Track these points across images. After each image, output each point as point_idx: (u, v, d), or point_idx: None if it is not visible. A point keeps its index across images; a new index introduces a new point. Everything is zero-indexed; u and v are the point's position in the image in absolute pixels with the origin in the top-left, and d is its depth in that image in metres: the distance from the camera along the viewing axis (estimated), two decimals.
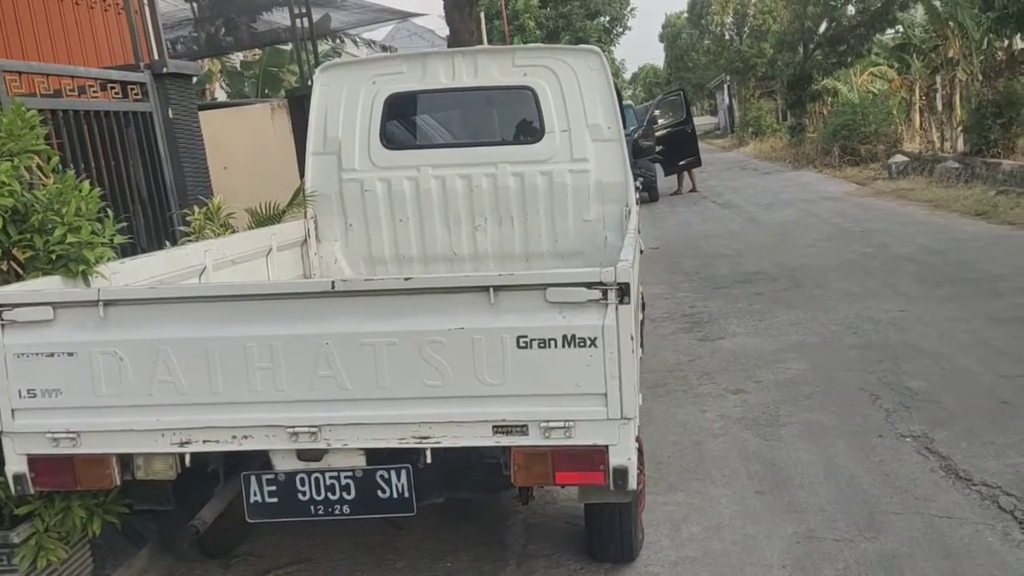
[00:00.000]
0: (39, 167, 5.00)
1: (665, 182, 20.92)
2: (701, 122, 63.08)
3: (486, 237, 5.98)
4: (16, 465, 3.23)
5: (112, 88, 5.97)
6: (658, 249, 13.31)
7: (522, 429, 3.00)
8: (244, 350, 3.05)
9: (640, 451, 4.10)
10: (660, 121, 21.06)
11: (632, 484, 3.03)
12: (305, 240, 6.03)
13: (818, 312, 8.46)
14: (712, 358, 7.31)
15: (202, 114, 10.35)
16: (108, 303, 3.10)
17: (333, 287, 2.99)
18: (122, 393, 3.12)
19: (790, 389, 6.30)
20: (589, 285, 2.90)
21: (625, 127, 6.93)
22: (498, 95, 5.98)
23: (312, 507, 3.24)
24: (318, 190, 6.02)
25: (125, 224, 4.25)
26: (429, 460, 3.13)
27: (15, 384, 3.14)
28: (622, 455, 3.00)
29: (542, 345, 2.93)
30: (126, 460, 3.25)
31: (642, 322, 6.84)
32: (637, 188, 13.39)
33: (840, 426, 5.54)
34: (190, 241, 5.33)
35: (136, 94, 6.21)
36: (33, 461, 3.22)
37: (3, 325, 3.13)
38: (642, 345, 7.02)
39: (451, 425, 3.03)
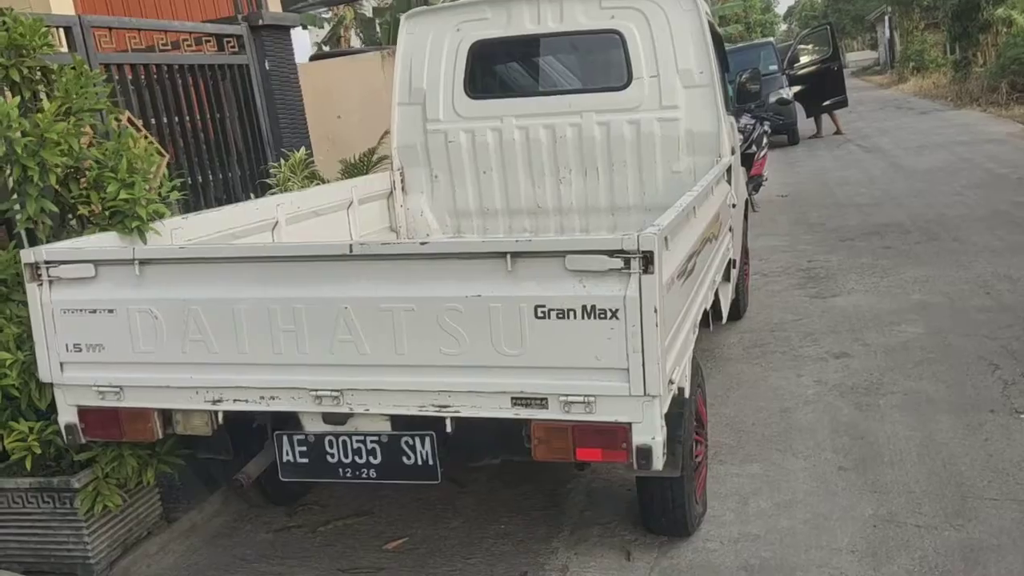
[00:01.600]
0: (130, 121, 5.19)
1: (806, 125, 19.80)
2: (858, 57, 59.41)
3: (570, 190, 5.77)
4: (68, 416, 3.38)
5: (207, 41, 6.09)
6: (786, 197, 12.65)
7: (541, 402, 2.86)
8: (268, 312, 3.04)
9: (702, 422, 3.91)
10: (803, 59, 19.89)
11: (657, 465, 2.84)
12: (391, 192, 6.02)
13: (949, 269, 7.79)
14: (821, 318, 6.86)
15: (316, 64, 10.57)
16: (143, 262, 3.15)
17: (351, 251, 2.92)
18: (158, 350, 3.18)
19: (899, 355, 5.83)
20: (610, 253, 2.70)
21: (728, 72, 6.50)
22: (584, 40, 5.70)
23: (340, 469, 3.23)
24: (404, 141, 5.98)
25: (180, 181, 4.32)
26: (450, 429, 3.05)
27: (62, 338, 3.26)
28: (646, 434, 2.82)
29: (561, 315, 2.76)
30: (167, 415, 3.33)
31: (740, 277, 6.50)
32: (765, 132, 12.78)
33: (948, 398, 5.08)
34: (274, 194, 5.42)
35: (232, 47, 6.32)
36: (82, 412, 3.35)
37: (51, 282, 3.24)
38: (741, 300, 6.70)
39: (470, 395, 2.93)
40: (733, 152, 5.75)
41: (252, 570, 3.95)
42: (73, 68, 3.66)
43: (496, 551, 3.94)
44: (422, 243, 2.86)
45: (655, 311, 2.69)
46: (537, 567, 3.78)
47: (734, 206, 5.53)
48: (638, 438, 2.82)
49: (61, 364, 3.30)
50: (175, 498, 4.51)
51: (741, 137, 11.40)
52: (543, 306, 2.78)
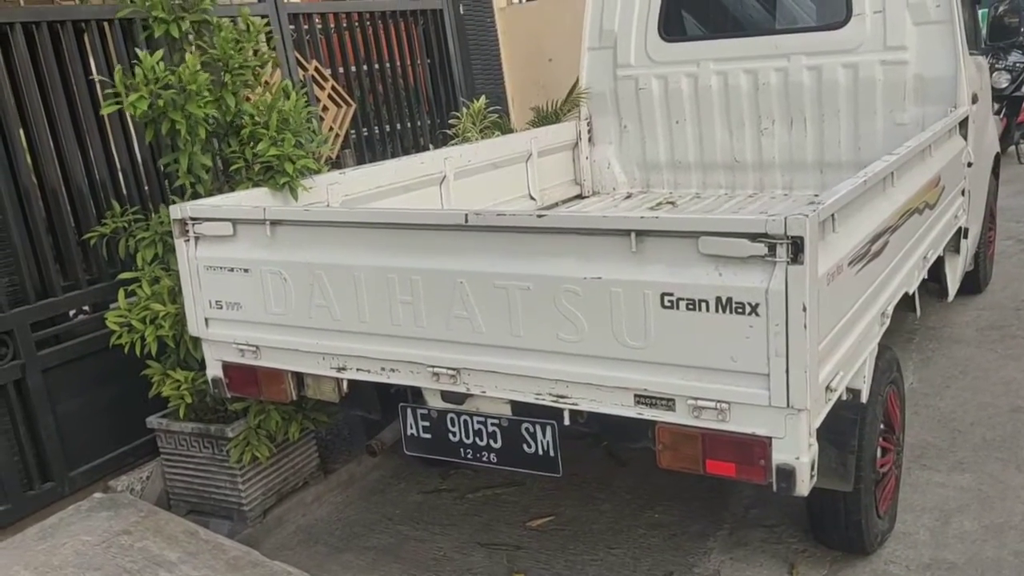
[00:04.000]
0: (317, 71, 5.21)
1: None
2: None
3: (773, 142, 5.16)
4: (214, 370, 3.43)
5: None
6: None
7: (668, 403, 2.49)
8: (387, 281, 2.87)
9: (891, 426, 3.34)
10: None
11: (801, 489, 2.39)
12: (577, 143, 5.69)
13: None
14: None
15: (527, 6, 10.28)
16: (274, 223, 3.09)
17: (466, 220, 2.66)
18: (287, 312, 3.13)
19: None
20: (752, 236, 2.25)
21: (979, 2, 5.51)
22: None
23: (462, 449, 3.05)
24: (592, 88, 5.61)
25: (331, 136, 4.23)
26: (568, 422, 2.75)
27: (206, 294, 3.30)
28: (788, 452, 2.36)
29: (691, 306, 2.36)
30: (300, 378, 3.29)
31: (983, 246, 5.60)
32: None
33: None
34: (456, 144, 5.27)
35: None
36: (226, 368, 3.39)
37: (196, 238, 3.27)
38: (982, 272, 5.77)
39: (589, 387, 2.61)
40: (976, 100, 4.85)
41: (395, 531, 3.91)
42: (233, 20, 3.64)
43: (644, 543, 3.63)
44: (539, 215, 2.54)
45: (804, 309, 2.21)
46: (685, 568, 3.43)
47: (971, 164, 4.68)
48: (779, 456, 2.38)
49: (206, 320, 3.35)
50: (337, 449, 4.58)
51: (1009, 77, 9.90)
52: (671, 294, 2.38)
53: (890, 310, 3.14)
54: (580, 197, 5.69)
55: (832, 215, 2.45)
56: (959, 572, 3.21)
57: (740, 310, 2.29)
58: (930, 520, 3.56)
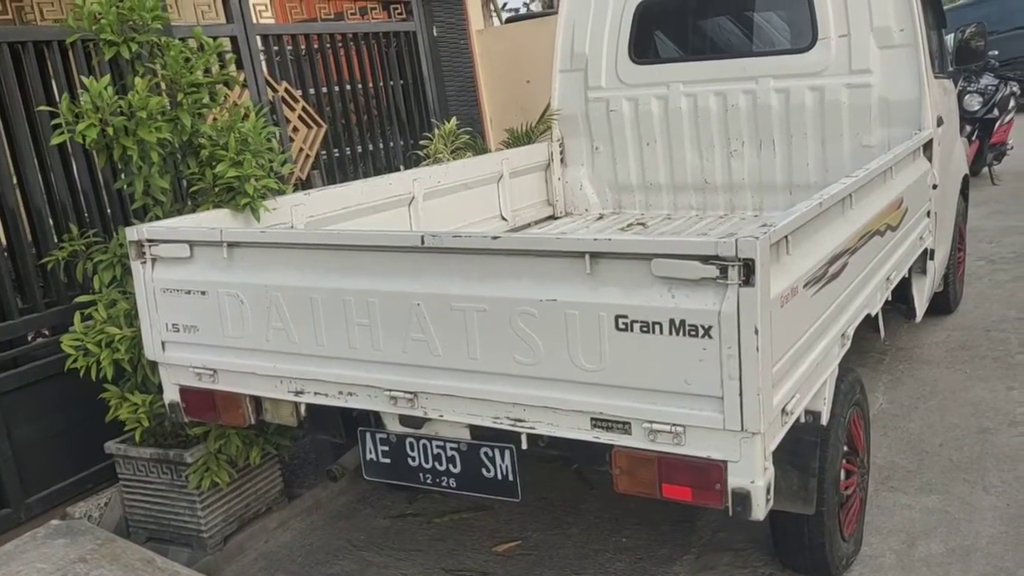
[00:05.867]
0: (287, 92, 5.19)
1: None
2: None
3: (743, 164, 5.17)
4: (171, 394, 3.38)
5: (373, 9, 6.00)
6: None
7: (623, 427, 2.46)
8: (344, 304, 2.84)
9: (855, 448, 3.32)
10: None
11: (757, 514, 2.36)
12: (549, 164, 5.69)
13: None
14: None
15: (504, 28, 10.32)
16: (231, 245, 3.05)
17: (423, 242, 2.63)
18: (245, 336, 3.08)
19: None
20: (704, 259, 2.23)
21: (945, 27, 5.57)
22: None
23: (421, 474, 3.00)
24: (564, 110, 5.62)
25: (300, 156, 4.21)
26: (525, 446, 2.72)
27: (163, 317, 3.25)
28: (743, 476, 2.34)
29: (645, 329, 2.34)
30: (258, 402, 3.24)
31: (952, 266, 5.62)
32: (1013, 94, 11.12)
33: None
34: (427, 165, 5.26)
35: (400, 14, 6.20)
36: (183, 392, 3.34)
37: (153, 260, 3.22)
38: (951, 293, 5.79)
39: (546, 411, 2.58)
40: (941, 122, 4.89)
41: (359, 558, 3.85)
42: (182, 40, 3.61)
43: (611, 568, 3.59)
44: (494, 237, 2.52)
45: (756, 331, 2.20)
46: None
47: (936, 187, 4.70)
48: (734, 480, 2.35)
49: (163, 343, 3.30)
50: (302, 473, 4.51)
51: (980, 100, 10.01)
52: (625, 316, 2.36)
53: (851, 332, 3.13)
54: (553, 218, 5.68)
55: (786, 237, 2.44)
56: None
57: (693, 332, 2.27)
58: (896, 543, 3.53)
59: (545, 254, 2.46)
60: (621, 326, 2.37)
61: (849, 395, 3.20)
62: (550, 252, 2.45)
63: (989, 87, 9.96)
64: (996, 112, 10.04)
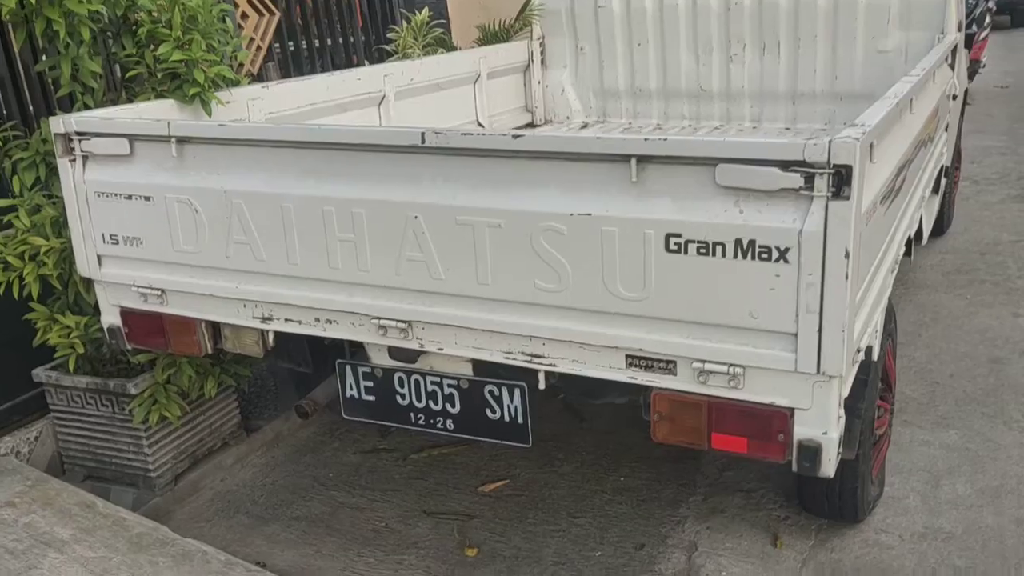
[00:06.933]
0: None
1: None
2: None
3: (743, 69, 4.73)
4: (111, 317, 2.88)
5: None
6: (1007, 88, 10.77)
7: (667, 366, 2.07)
8: (323, 215, 2.36)
9: (889, 382, 3.00)
10: None
11: (827, 470, 2.01)
12: (528, 66, 5.17)
13: None
14: None
15: None
16: (181, 140, 2.52)
17: (423, 140, 2.15)
18: (200, 251, 2.59)
19: None
20: (785, 165, 1.81)
21: None
22: None
23: (412, 414, 2.59)
24: (546, 5, 5.07)
25: (252, 44, 3.64)
26: (543, 385, 2.32)
27: (98, 227, 2.73)
28: (814, 426, 1.98)
29: (703, 251, 1.92)
30: (216, 328, 2.77)
31: (948, 185, 5.31)
32: (989, 9, 10.77)
33: None
34: (396, 60, 4.69)
35: None
36: (125, 315, 2.85)
37: (84, 157, 2.68)
38: (945, 213, 5.50)
39: (571, 346, 2.17)
40: (960, 27, 4.50)
41: (328, 498, 3.45)
42: None
43: (611, 511, 3.25)
44: (515, 135, 2.05)
45: (847, 255, 1.80)
46: (658, 540, 3.07)
47: (954, 97, 4.34)
48: (802, 431, 1.99)
49: (99, 257, 2.79)
50: (261, 404, 4.07)
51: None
52: (678, 235, 1.94)
53: (900, 255, 2.77)
54: (531, 125, 5.20)
55: (872, 142, 2.02)
56: (958, 543, 2.93)
57: (765, 256, 1.87)
58: (919, 483, 3.27)
59: (580, 157, 2.01)
60: (672, 247, 1.95)
61: (887, 325, 2.86)
62: (587, 155, 2.00)
63: (969, 1, 9.60)
64: (974, 27, 9.70)
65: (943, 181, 4.44)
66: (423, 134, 2.15)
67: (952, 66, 4.26)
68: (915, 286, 5.08)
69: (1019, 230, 5.85)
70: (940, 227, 5.65)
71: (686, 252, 1.94)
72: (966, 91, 5.71)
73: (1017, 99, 10.09)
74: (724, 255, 1.91)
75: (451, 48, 5.17)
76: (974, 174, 7.18)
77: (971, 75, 10.60)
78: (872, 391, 2.62)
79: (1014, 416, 3.65)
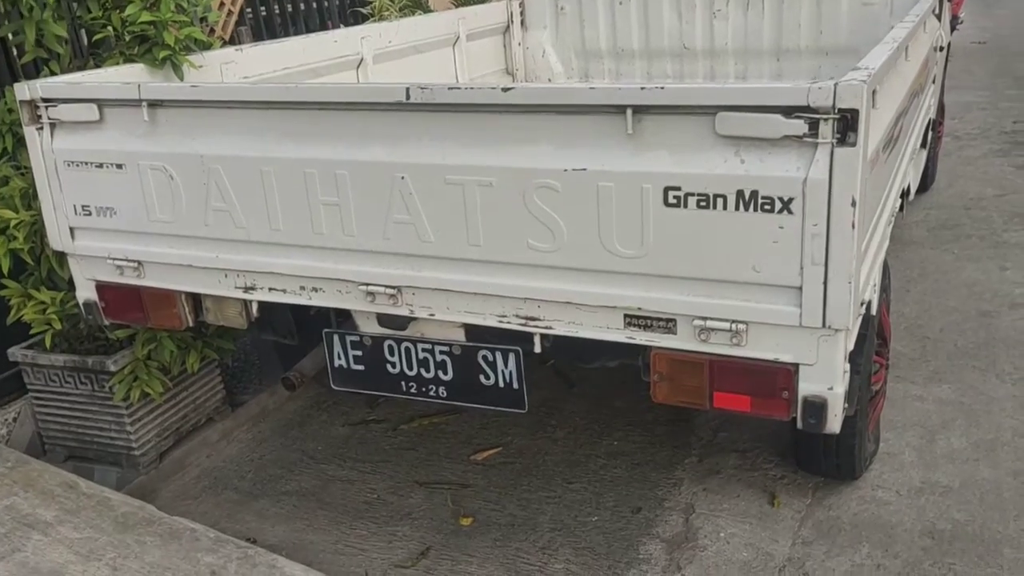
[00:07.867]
0: None
1: None
2: None
3: (726, 26, 4.64)
4: (86, 291, 2.78)
5: None
6: (985, 44, 10.74)
7: (667, 325, 2.01)
8: (305, 178, 2.27)
9: (884, 337, 2.97)
10: None
11: (832, 426, 1.97)
12: (508, 27, 5.05)
13: None
14: None
15: None
16: (153, 104, 2.41)
17: (408, 96, 2.06)
18: (177, 220, 2.50)
19: None
20: (788, 111, 1.74)
21: None
22: None
23: (404, 383, 2.52)
24: None
25: (221, 6, 3.51)
26: (539, 349, 2.25)
27: (69, 198, 2.62)
28: (819, 382, 1.93)
29: (703, 203, 1.85)
30: (197, 300, 2.68)
31: (933, 140, 5.27)
32: None
33: None
34: (373, 22, 4.57)
35: None
36: (101, 289, 2.75)
37: (52, 125, 2.57)
38: (930, 168, 5.47)
39: (567, 308, 2.10)
40: None
41: (318, 472, 3.39)
42: None
43: (606, 475, 3.21)
44: (505, 88, 1.97)
45: (853, 203, 1.74)
46: (655, 503, 3.03)
47: (941, 49, 4.28)
48: (807, 387, 1.94)
49: (71, 229, 2.68)
50: (246, 377, 3.99)
51: None
52: (677, 188, 1.87)
53: (896, 207, 2.72)
54: None
55: (875, 88, 1.96)
56: (955, 497, 2.91)
57: (768, 207, 1.80)
58: (914, 438, 3.25)
59: (573, 110, 1.93)
60: (671, 200, 1.88)
61: (884, 279, 2.81)
62: (581, 107, 1.92)
63: None
64: None
65: (929, 135, 4.39)
66: (408, 89, 2.06)
67: (939, 17, 4.19)
68: (901, 242, 5.05)
69: (1003, 184, 5.83)
70: (924, 183, 5.62)
71: (686, 206, 1.87)
72: (949, 44, 5.66)
73: (995, 55, 10.07)
74: (725, 208, 1.84)
75: (427, 10, 5.05)
76: (956, 130, 7.15)
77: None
78: (870, 346, 2.58)
79: (1006, 369, 3.64)
